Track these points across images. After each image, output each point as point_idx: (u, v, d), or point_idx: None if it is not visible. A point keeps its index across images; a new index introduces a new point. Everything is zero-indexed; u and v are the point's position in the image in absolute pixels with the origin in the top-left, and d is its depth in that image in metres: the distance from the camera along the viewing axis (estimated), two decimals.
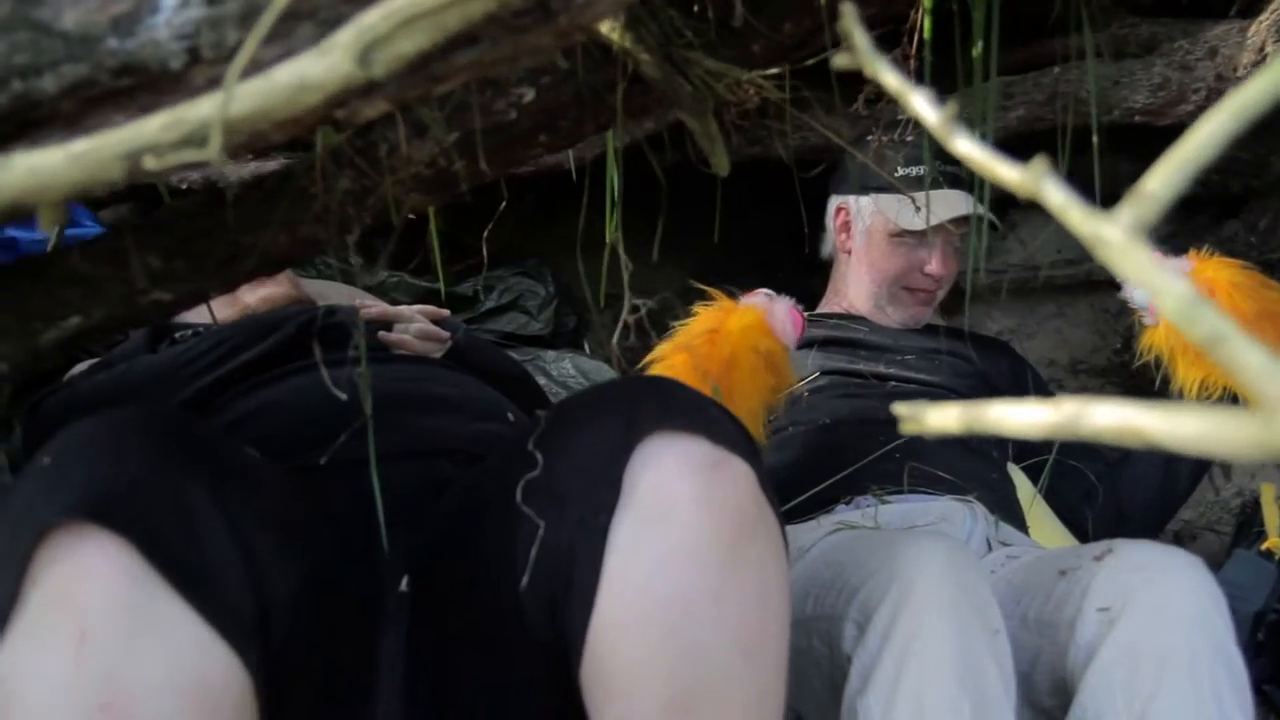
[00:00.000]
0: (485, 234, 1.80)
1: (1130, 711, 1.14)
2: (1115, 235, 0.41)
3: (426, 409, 1.28)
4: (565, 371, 2.17)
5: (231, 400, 1.31)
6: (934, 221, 1.84)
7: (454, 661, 1.01)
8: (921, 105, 0.49)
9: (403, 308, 1.53)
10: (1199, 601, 1.18)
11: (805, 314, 1.75)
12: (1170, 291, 0.39)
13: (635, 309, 1.15)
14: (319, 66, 0.54)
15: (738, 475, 0.91)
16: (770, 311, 1.64)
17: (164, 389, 1.33)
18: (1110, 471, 1.91)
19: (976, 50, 1.17)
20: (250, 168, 1.62)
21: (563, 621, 0.90)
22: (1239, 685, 1.15)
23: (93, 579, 0.76)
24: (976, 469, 1.70)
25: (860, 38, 0.52)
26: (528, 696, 1.01)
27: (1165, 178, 0.42)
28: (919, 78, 1.41)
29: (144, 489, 0.81)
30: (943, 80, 1.27)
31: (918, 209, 1.77)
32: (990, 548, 1.53)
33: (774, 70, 1.08)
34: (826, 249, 2.10)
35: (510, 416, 1.37)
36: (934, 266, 1.91)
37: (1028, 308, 2.68)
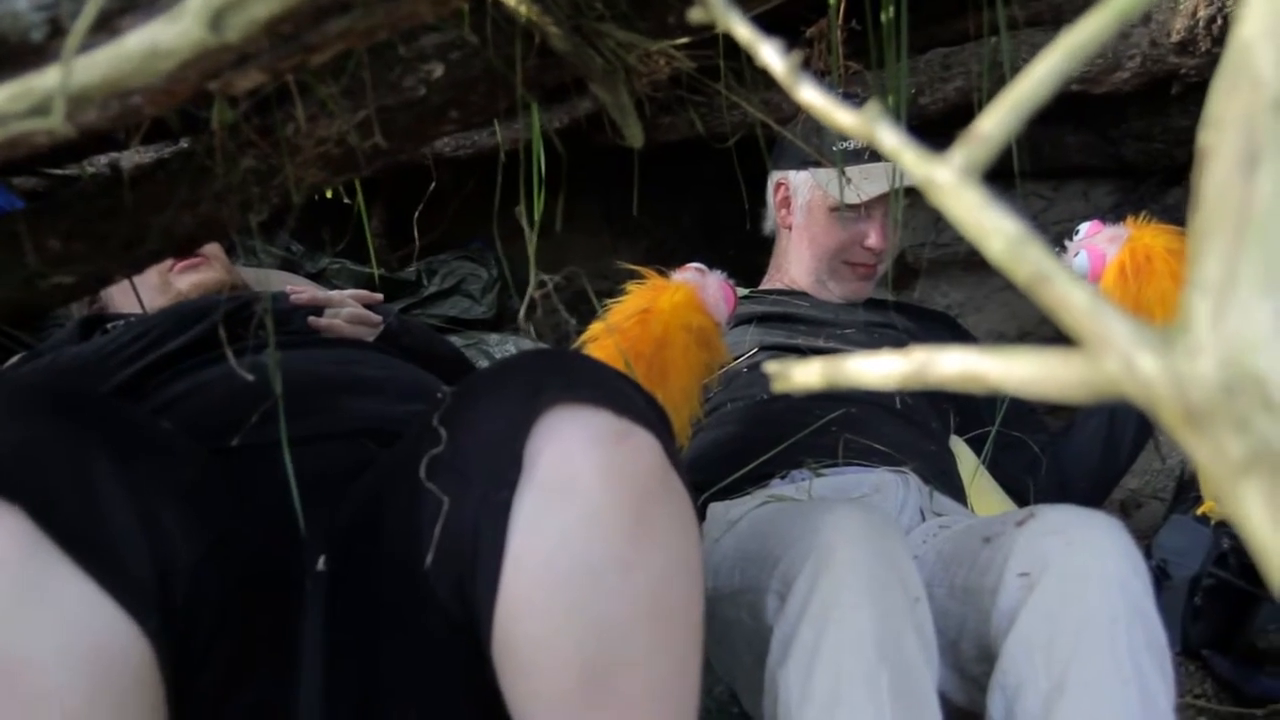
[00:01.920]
0: (417, 216, 1.79)
1: (1049, 676, 1.14)
2: (946, 177, 0.40)
3: (354, 391, 1.27)
4: (509, 354, 2.16)
5: (157, 388, 1.30)
6: (867, 196, 1.84)
7: (372, 640, 1.01)
8: (769, 55, 0.49)
9: (333, 293, 1.52)
10: (1116, 564, 1.18)
11: (738, 288, 1.74)
12: (999, 231, 0.38)
13: (542, 284, 1.15)
14: (170, 32, 0.53)
15: (642, 446, 0.90)
16: (702, 287, 1.64)
17: (90, 378, 1.32)
18: (1053, 442, 1.91)
19: (886, 16, 1.16)
20: (152, 152, 1.60)
21: (470, 600, 0.89)
22: (1157, 647, 1.15)
23: None
24: (913, 440, 1.70)
25: None
26: (446, 674, 1.00)
27: (999, 119, 0.41)
28: (836, 48, 1.40)
29: (36, 453, 0.79)
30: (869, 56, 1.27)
31: (848, 181, 1.77)
32: (924, 518, 1.53)
33: (686, 40, 1.07)
34: (768, 225, 2.10)
35: (439, 397, 1.37)
36: (873, 240, 1.90)
37: (976, 280, 2.70)
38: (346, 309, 1.48)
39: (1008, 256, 0.38)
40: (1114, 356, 0.35)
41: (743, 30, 0.51)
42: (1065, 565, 1.19)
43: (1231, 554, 1.57)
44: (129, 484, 0.82)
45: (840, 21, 1.45)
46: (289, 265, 2.15)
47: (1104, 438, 1.86)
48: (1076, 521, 1.24)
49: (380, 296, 1.57)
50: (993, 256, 0.38)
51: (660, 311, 1.58)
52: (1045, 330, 2.65)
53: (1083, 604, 1.16)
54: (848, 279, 1.96)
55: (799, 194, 1.97)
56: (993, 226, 0.38)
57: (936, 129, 1.90)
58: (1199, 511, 1.61)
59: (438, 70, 1.03)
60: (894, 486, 1.55)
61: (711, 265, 1.81)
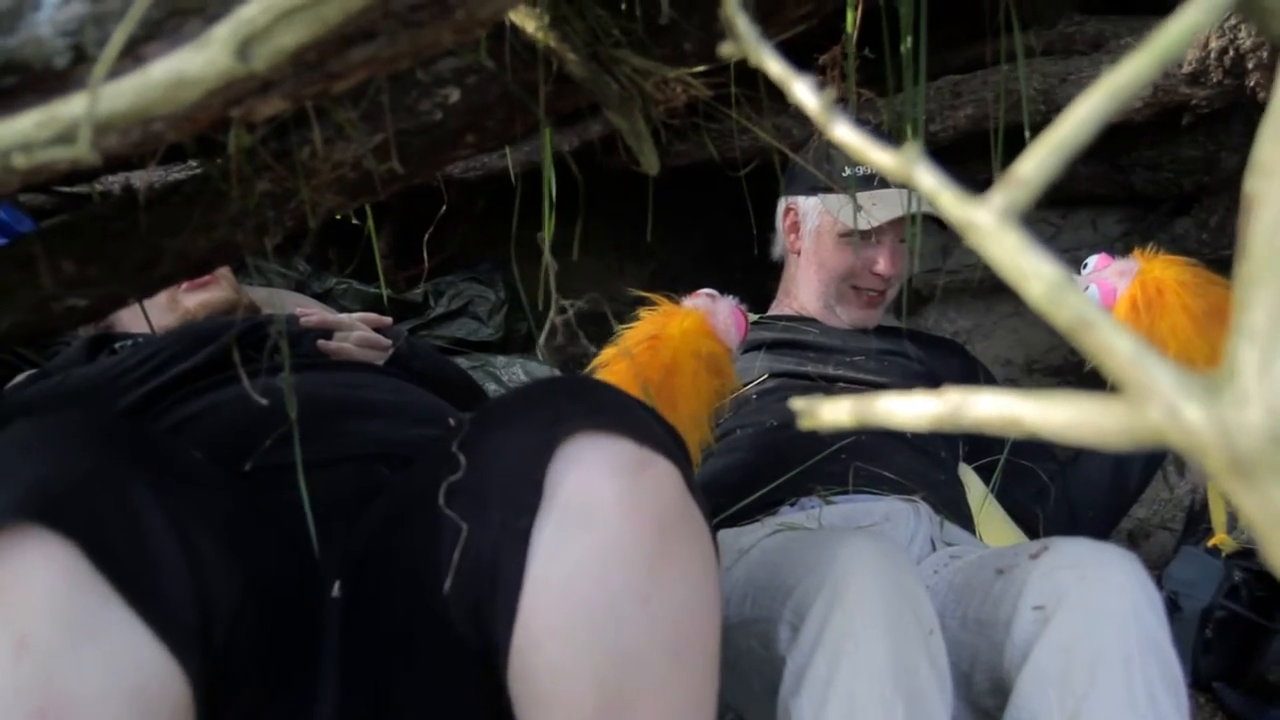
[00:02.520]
0: (426, 238, 1.79)
1: (1064, 710, 1.13)
2: (985, 220, 0.40)
3: (365, 414, 1.27)
4: (515, 377, 2.15)
5: (167, 409, 1.29)
6: (876, 222, 1.84)
7: (387, 667, 1.00)
8: (802, 92, 0.49)
9: (343, 315, 1.52)
10: (1132, 598, 1.18)
11: (749, 314, 1.74)
12: (1039, 275, 0.38)
13: (563, 310, 1.14)
14: (197, 61, 0.53)
15: (662, 476, 0.90)
16: (712, 313, 1.63)
17: (100, 399, 1.32)
18: (1062, 471, 1.91)
19: (905, 45, 1.16)
20: (160, 171, 1.60)
21: (488, 627, 0.89)
22: (1173, 681, 1.15)
23: (34, 583, 0.74)
24: (923, 469, 1.70)
25: (744, 25, 0.51)
26: (462, 702, 0.99)
27: (1039, 161, 0.41)
28: (849, 76, 1.40)
29: (88, 490, 0.79)
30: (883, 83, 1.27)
31: (859, 209, 1.76)
32: (934, 547, 1.53)
33: (703, 68, 1.07)
34: (777, 250, 2.10)
35: (451, 421, 1.36)
36: (882, 266, 1.90)
37: (985, 307, 2.69)
38: (356, 332, 1.48)
39: (1048, 301, 0.37)
40: (1159, 405, 0.34)
41: (775, 67, 0.50)
42: (1081, 600, 1.18)
43: (1243, 586, 1.57)
44: (174, 520, 0.82)
45: (854, 49, 1.45)
46: (297, 285, 2.15)
47: (1113, 467, 1.86)
48: (1092, 556, 1.24)
49: (389, 320, 1.57)
50: (1032, 301, 0.38)
51: (670, 337, 1.58)
52: (1053, 358, 2.65)
53: (1098, 639, 1.15)
54: (855, 305, 1.96)
55: (808, 219, 1.97)
56: (1032, 270, 0.38)
57: (947, 156, 1.90)
58: (1210, 544, 1.60)
59: (454, 95, 1.03)
60: (905, 515, 1.54)
61: (720, 289, 1.81)
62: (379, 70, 0.69)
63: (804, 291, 2.00)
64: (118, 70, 0.64)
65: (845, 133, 0.48)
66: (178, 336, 1.39)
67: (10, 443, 0.82)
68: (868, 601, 1.09)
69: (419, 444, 1.24)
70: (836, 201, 1.90)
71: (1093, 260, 1.73)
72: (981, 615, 1.28)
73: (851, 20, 1.17)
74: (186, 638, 0.80)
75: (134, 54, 0.63)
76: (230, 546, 0.89)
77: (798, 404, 0.45)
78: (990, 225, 0.40)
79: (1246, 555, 1.60)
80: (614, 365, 1.59)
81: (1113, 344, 0.36)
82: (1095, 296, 1.66)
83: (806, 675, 1.09)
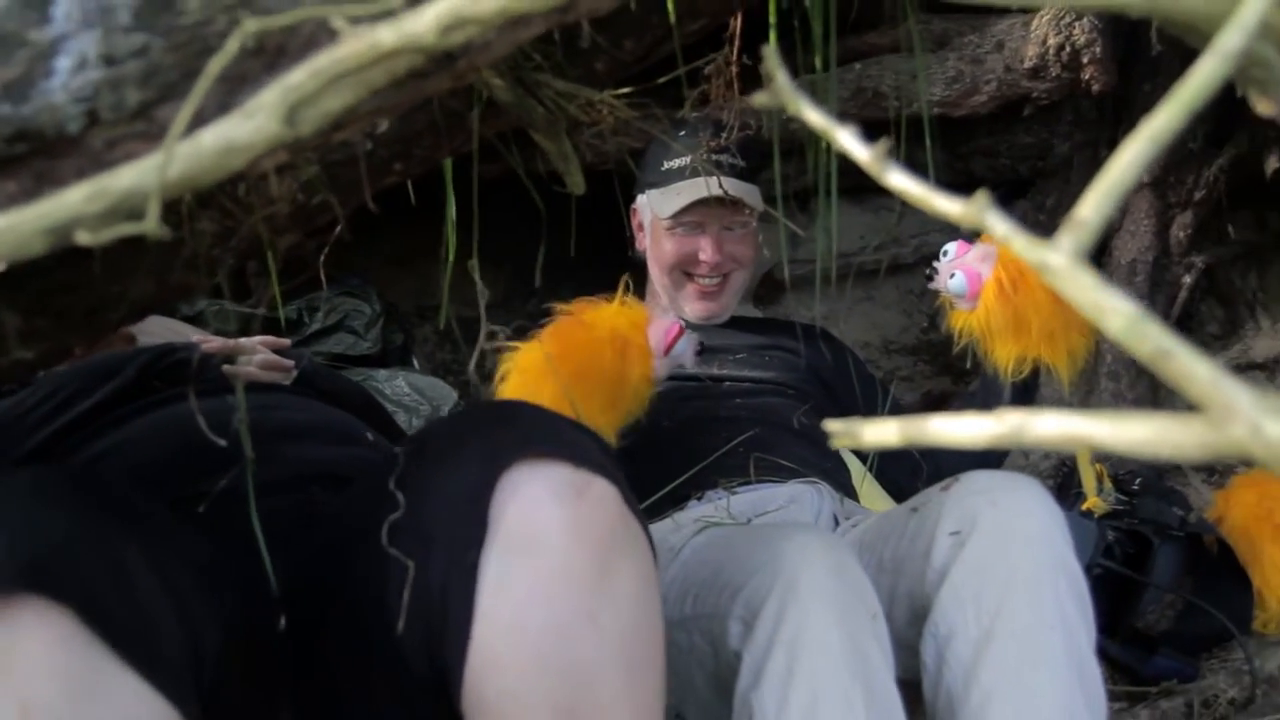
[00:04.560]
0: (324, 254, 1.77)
1: (979, 626, 1.23)
2: (1059, 261, 0.44)
3: (286, 437, 1.26)
4: (400, 390, 2.15)
5: (75, 447, 1.26)
6: (677, 207, 1.91)
7: (340, 698, 1.01)
8: (849, 142, 0.53)
9: (243, 340, 1.49)
10: (1041, 521, 1.28)
11: (688, 332, 1.75)
12: (1117, 311, 0.42)
13: (493, 335, 1.16)
14: (246, 129, 0.54)
15: (603, 496, 0.93)
16: (653, 317, 1.67)
17: (3, 442, 1.27)
18: (932, 448, 2.00)
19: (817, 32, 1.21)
20: None
21: (440, 659, 0.91)
22: (1079, 596, 1.25)
23: (31, 651, 0.73)
24: (815, 457, 1.77)
25: (782, 78, 0.55)
26: None
27: (1096, 205, 0.45)
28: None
29: (74, 550, 0.78)
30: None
31: (720, 184, 1.81)
32: (837, 523, 1.61)
33: (625, 90, 1.11)
34: (637, 252, 2.15)
35: (370, 437, 1.37)
36: (705, 254, 1.95)
37: (837, 294, 2.79)
38: (258, 355, 1.46)
39: (1128, 334, 0.42)
40: (1241, 423, 0.39)
41: (816, 118, 0.54)
42: (993, 523, 1.28)
43: (1115, 545, 1.69)
44: (157, 569, 0.82)
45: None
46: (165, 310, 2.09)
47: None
48: (1001, 483, 1.35)
49: (288, 341, 1.56)
50: (1112, 334, 0.42)
51: (600, 317, 1.62)
52: (906, 339, 2.76)
53: (1010, 558, 1.25)
54: (692, 297, 2.01)
55: (645, 215, 2.05)
56: (1110, 306, 0.42)
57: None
58: (1084, 507, 1.72)
59: (383, 124, 1.03)
60: (809, 497, 1.62)
61: (585, 293, 1.82)
62: (381, 118, 0.70)
63: (657, 288, 2.07)
64: (126, 134, 0.64)
65: (900, 180, 0.52)
66: (75, 373, 1.35)
67: None
68: (820, 594, 1.15)
69: (346, 462, 1.25)
70: (658, 195, 1.97)
71: (952, 247, 1.81)
72: (898, 553, 1.37)
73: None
74: (182, 684, 0.81)
75: (146, 116, 0.63)
76: (209, 589, 0.89)
77: (834, 426, 0.49)
78: (1064, 267, 0.44)
79: (1116, 516, 1.72)
80: (530, 350, 1.62)
81: (1193, 370, 0.40)
82: (963, 282, 1.75)
83: (765, 669, 1.14)
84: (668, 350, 1.66)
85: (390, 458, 1.00)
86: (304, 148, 0.68)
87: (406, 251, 2.79)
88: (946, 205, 0.48)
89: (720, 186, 1.83)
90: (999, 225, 0.46)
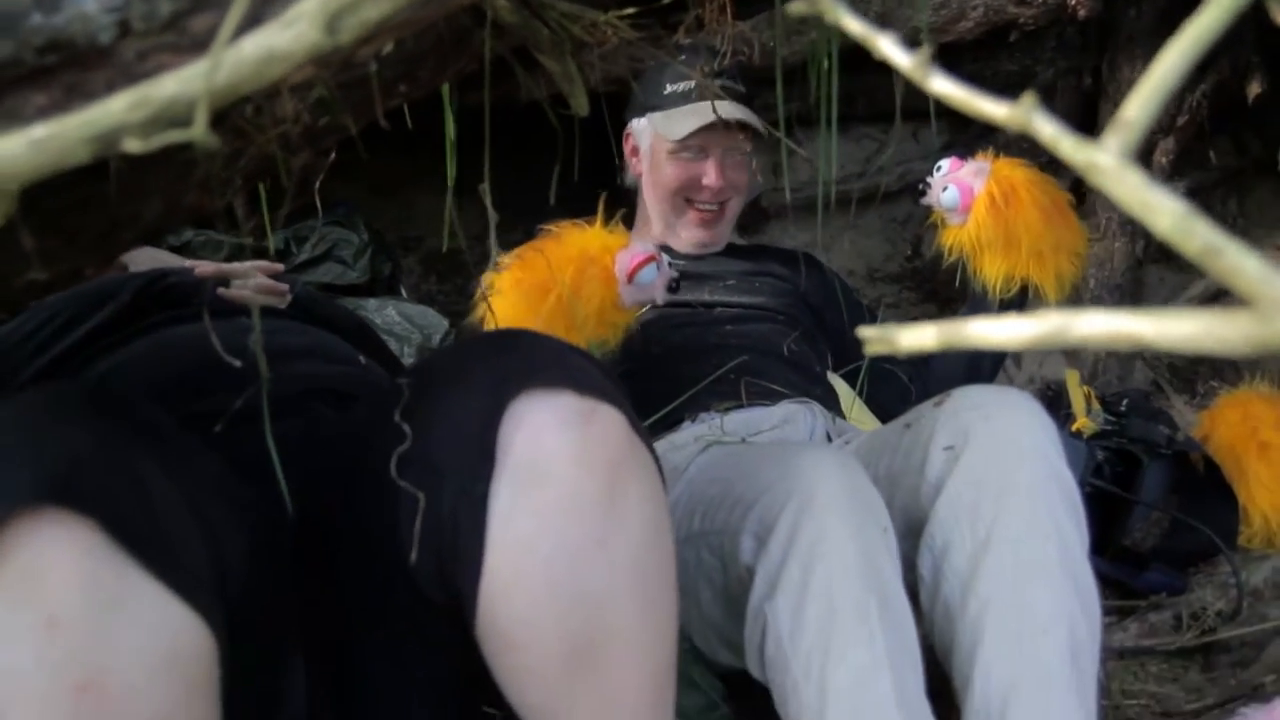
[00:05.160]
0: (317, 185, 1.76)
1: (975, 537, 1.26)
2: (1107, 162, 0.45)
3: (286, 358, 1.26)
4: (390, 319, 2.15)
5: (76, 371, 1.26)
6: (688, 129, 1.90)
7: (353, 624, 1.02)
8: (891, 50, 0.53)
9: (236, 264, 1.49)
10: (1033, 433, 1.31)
11: (662, 262, 1.75)
12: (1165, 209, 0.43)
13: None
14: (286, 37, 0.54)
15: (609, 422, 0.94)
16: (628, 244, 1.68)
17: (3, 367, 1.27)
18: (919, 371, 2.03)
19: None
20: None
21: (453, 585, 0.92)
22: (1072, 506, 1.28)
23: (58, 563, 0.73)
24: (803, 382, 1.79)
25: None
26: (428, 653, 1.02)
27: (1141, 105, 0.46)
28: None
29: (97, 464, 0.78)
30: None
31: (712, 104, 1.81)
32: (830, 440, 1.64)
33: (630, 10, 1.11)
34: (629, 178, 2.14)
35: (362, 360, 1.37)
36: (710, 179, 1.96)
37: (823, 222, 2.80)
38: (253, 279, 1.46)
39: (1177, 232, 0.42)
40: None
41: (856, 26, 0.55)
42: (987, 437, 1.30)
43: (1105, 464, 1.72)
44: (178, 483, 0.82)
45: None
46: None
47: (966, 363, 1.99)
48: (994, 397, 1.37)
49: (282, 266, 1.55)
50: (1160, 232, 0.43)
51: (574, 239, 1.63)
52: (891, 267, 2.78)
53: (1004, 470, 1.27)
54: (693, 225, 2.01)
55: (643, 140, 2.03)
56: (1158, 205, 0.43)
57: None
58: (1074, 428, 1.74)
59: (388, 45, 1.03)
60: (801, 416, 1.64)
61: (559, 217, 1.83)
62: (403, 32, 0.70)
63: (652, 214, 2.06)
64: (157, 45, 0.64)
65: (944, 85, 0.53)
66: (72, 298, 1.35)
67: (2, 424, 0.80)
68: (834, 508, 1.17)
69: (345, 378, 1.25)
70: (661, 118, 1.96)
71: (946, 163, 1.83)
72: (893, 468, 1.39)
73: None
74: (208, 595, 0.81)
75: (177, 27, 0.63)
76: (232, 502, 0.90)
77: (868, 332, 0.50)
78: (1113, 167, 0.45)
79: (1105, 436, 1.75)
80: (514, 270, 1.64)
81: (1241, 265, 0.41)
82: (955, 196, 1.77)
83: (780, 581, 1.17)
84: (631, 276, 1.66)
85: (394, 388, 1.01)
86: (332, 62, 0.68)
87: (388, 182, 2.77)
88: (992, 109, 0.48)
89: (728, 112, 1.84)
90: (1045, 127, 0.46)
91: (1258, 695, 1.28)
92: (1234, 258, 0.42)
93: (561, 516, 0.90)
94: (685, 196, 2.00)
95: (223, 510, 0.87)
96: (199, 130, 0.51)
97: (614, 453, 0.93)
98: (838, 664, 1.12)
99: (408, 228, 2.85)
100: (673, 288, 1.72)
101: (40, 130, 0.53)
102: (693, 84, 1.90)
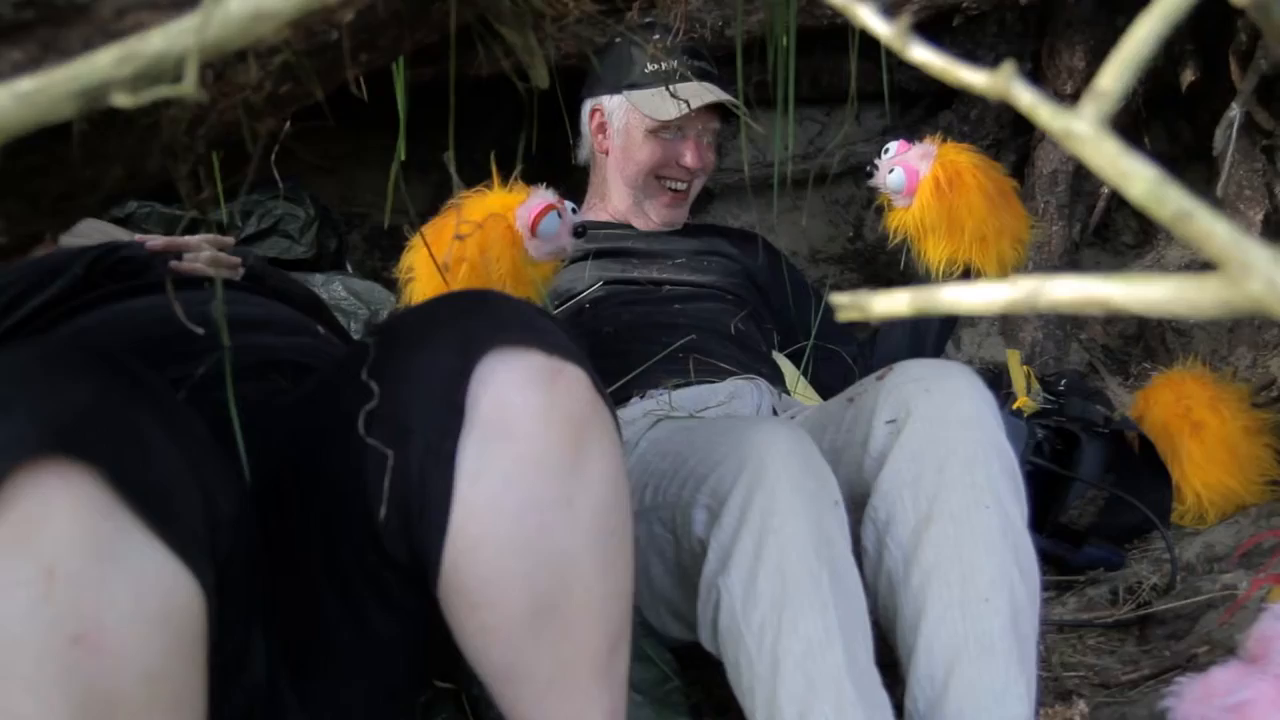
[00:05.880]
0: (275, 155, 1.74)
1: (917, 510, 1.29)
2: (1083, 129, 0.46)
3: (243, 328, 1.25)
4: (337, 294, 2.13)
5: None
6: (680, 111, 1.90)
7: (315, 591, 1.02)
8: (870, 19, 0.54)
9: (188, 237, 1.48)
10: (973, 404, 1.33)
11: (564, 209, 1.75)
12: (1139, 175, 0.44)
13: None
14: None
15: (574, 382, 0.95)
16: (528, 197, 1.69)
17: None
18: (862, 351, 2.06)
19: None
20: None
21: (419, 543, 0.93)
22: (1011, 474, 1.31)
23: (59, 514, 0.73)
24: (750, 360, 1.81)
25: None
26: (387, 616, 1.03)
27: (1115, 75, 0.47)
28: None
29: (99, 417, 0.78)
30: None
31: (676, 98, 1.83)
32: (776, 415, 1.67)
33: None
34: (583, 154, 2.15)
35: (320, 330, 1.37)
36: (689, 159, 1.99)
37: (765, 204, 2.82)
38: (205, 252, 1.45)
39: (1150, 198, 0.44)
40: (1258, 279, 0.42)
41: None
42: (927, 409, 1.33)
43: (1044, 442, 1.76)
44: (175, 438, 0.82)
45: None
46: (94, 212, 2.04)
47: (908, 344, 2.02)
48: (933, 371, 1.39)
49: (232, 240, 1.54)
50: (1134, 198, 0.44)
51: (476, 204, 1.67)
52: (833, 248, 2.81)
53: (945, 443, 1.30)
54: (664, 204, 2.04)
55: (615, 118, 2.03)
56: (1132, 172, 0.45)
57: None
58: (1014, 406, 1.78)
59: (349, 14, 1.02)
60: (748, 391, 1.67)
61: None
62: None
63: (614, 192, 2.07)
64: (136, 3, 0.64)
65: (923, 53, 0.54)
66: (20, 271, 1.33)
67: (2, 373, 0.79)
68: (786, 480, 1.19)
69: (303, 350, 1.25)
70: (641, 98, 1.97)
71: (893, 145, 1.86)
72: (836, 443, 1.41)
73: None
74: (201, 553, 0.81)
75: None
76: (224, 460, 0.90)
77: (841, 299, 0.51)
78: (1089, 134, 0.47)
79: (1044, 415, 1.79)
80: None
81: (1212, 229, 0.43)
82: (901, 178, 1.79)
83: (733, 554, 1.18)
84: (534, 229, 1.66)
85: (359, 347, 1.01)
86: (303, 25, 0.68)
87: (330, 159, 2.75)
88: (970, 77, 0.49)
89: (710, 94, 1.87)
90: (1023, 94, 0.48)
91: (1192, 665, 1.32)
92: (1204, 222, 0.43)
93: (528, 474, 0.91)
94: (657, 175, 2.02)
95: (217, 471, 0.87)
96: (189, 86, 0.51)
97: (579, 412, 0.94)
98: (790, 635, 1.14)
99: (351, 204, 2.82)
100: (579, 232, 1.73)
101: (27, 84, 0.52)
102: (674, 64, 1.91)
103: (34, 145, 0.89)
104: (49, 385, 0.78)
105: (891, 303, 0.50)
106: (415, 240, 1.76)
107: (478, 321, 0.96)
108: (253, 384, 1.13)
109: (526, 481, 0.91)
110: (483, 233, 1.61)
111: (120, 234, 1.75)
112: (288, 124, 1.08)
